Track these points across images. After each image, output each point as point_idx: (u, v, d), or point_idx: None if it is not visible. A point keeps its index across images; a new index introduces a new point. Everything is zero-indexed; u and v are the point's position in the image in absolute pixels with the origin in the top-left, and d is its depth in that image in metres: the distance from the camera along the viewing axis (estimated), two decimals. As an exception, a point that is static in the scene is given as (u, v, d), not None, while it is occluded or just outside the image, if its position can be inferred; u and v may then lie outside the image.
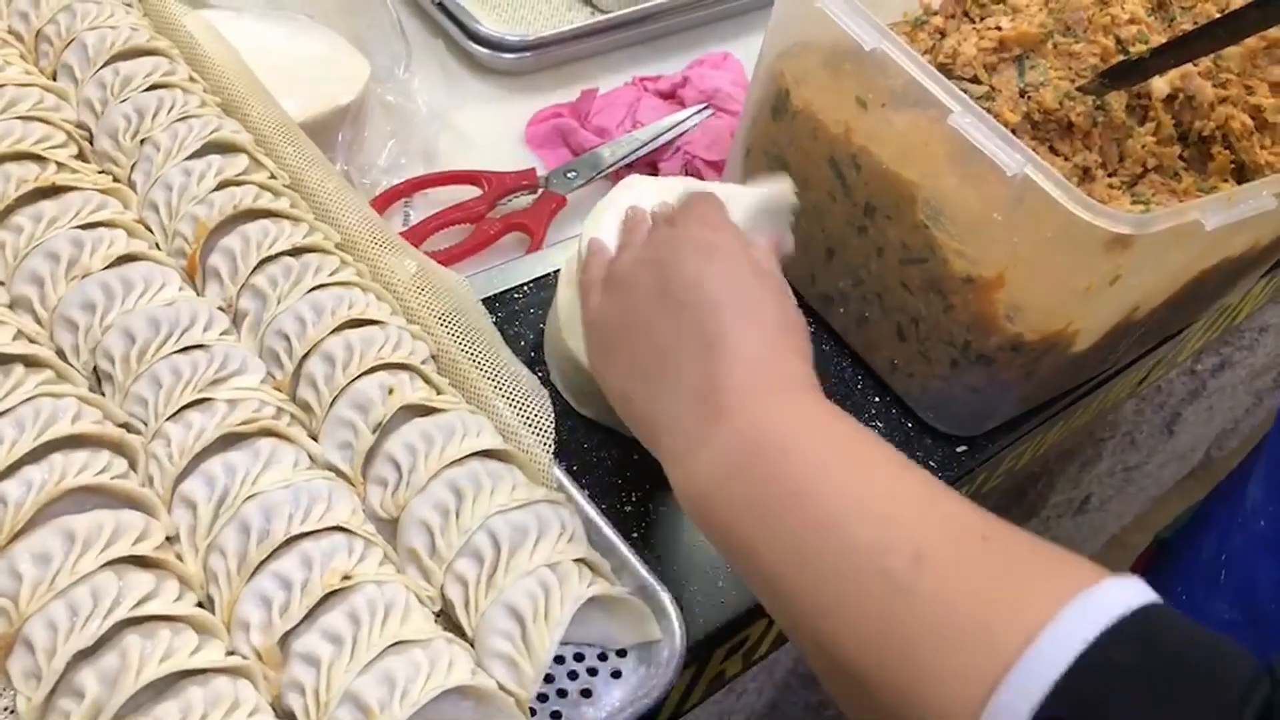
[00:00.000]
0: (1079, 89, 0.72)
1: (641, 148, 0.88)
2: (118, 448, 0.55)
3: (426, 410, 0.58)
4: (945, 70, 0.72)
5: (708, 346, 0.52)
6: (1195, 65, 0.78)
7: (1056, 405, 0.78)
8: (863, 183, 0.69)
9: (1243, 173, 0.78)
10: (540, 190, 0.85)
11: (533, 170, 0.86)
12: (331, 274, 0.62)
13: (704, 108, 0.91)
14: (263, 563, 0.51)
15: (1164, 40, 0.73)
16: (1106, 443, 1.17)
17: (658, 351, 0.54)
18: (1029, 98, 0.72)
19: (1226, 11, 0.77)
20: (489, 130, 0.91)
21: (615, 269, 0.58)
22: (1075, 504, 1.36)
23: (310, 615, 0.50)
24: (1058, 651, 0.39)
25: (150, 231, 0.64)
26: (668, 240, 0.57)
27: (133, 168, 0.66)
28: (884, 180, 0.67)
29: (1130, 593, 0.41)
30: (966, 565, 0.43)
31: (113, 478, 0.53)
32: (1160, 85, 0.76)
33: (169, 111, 0.67)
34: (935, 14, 0.80)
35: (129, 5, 0.74)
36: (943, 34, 0.78)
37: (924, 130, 0.65)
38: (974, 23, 0.78)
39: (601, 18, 0.98)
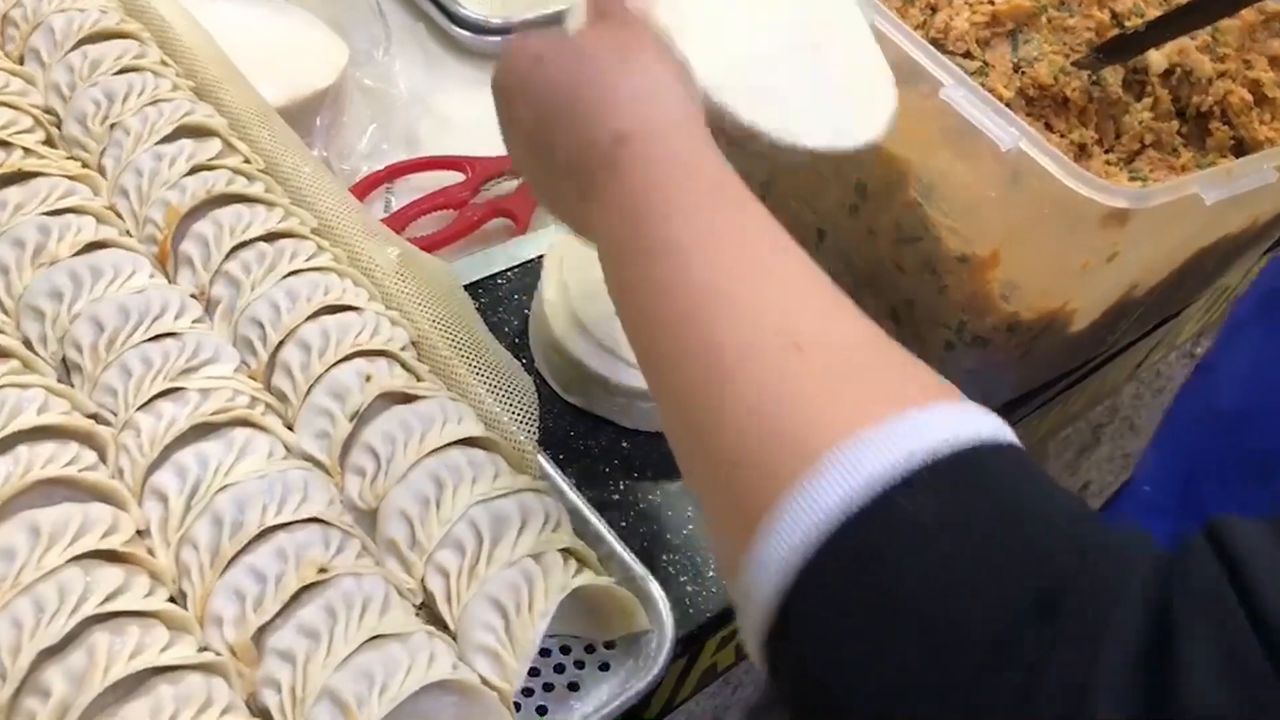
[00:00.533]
0: (1074, 64, 0.71)
1: (628, 131, 0.87)
2: (86, 439, 0.53)
3: (406, 398, 0.56)
4: (937, 45, 0.71)
5: (576, 147, 0.47)
6: (1192, 39, 0.77)
7: (1054, 389, 0.77)
8: (854, 162, 0.67)
9: (1241, 148, 0.76)
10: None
11: (517, 155, 0.84)
12: (307, 259, 0.61)
13: (692, 90, 0.90)
14: (236, 556, 0.49)
15: (1160, 13, 0.71)
16: (1105, 428, 1.16)
17: (542, 175, 0.51)
18: (1023, 73, 0.71)
19: None
20: (472, 114, 0.89)
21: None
22: (1074, 491, 1.35)
23: (286, 609, 0.48)
24: (830, 500, 0.33)
25: (120, 218, 0.62)
26: (498, 80, 0.53)
27: (102, 153, 0.64)
28: (875, 159, 0.66)
29: (962, 427, 0.34)
30: (766, 384, 0.37)
31: (81, 470, 0.51)
32: (1157, 60, 0.74)
33: (139, 95, 0.66)
34: (927, -13, 0.78)
35: (99, -13, 0.72)
36: (934, 9, 0.76)
37: (916, 106, 0.64)
38: (966, -3, 0.76)
39: (586, -1, 0.96)
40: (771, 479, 0.35)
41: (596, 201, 0.46)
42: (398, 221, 0.79)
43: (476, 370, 0.60)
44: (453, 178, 0.83)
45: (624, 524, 0.61)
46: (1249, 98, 0.76)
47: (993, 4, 0.72)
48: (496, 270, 0.73)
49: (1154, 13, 0.72)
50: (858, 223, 0.69)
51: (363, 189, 0.80)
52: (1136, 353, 0.87)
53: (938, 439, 0.33)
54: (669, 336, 0.41)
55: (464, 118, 0.89)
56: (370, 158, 0.82)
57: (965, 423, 0.34)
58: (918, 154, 0.64)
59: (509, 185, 0.83)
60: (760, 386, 0.37)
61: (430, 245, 0.78)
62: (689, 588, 0.60)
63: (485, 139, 0.87)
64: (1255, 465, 0.49)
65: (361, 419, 0.55)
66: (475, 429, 0.56)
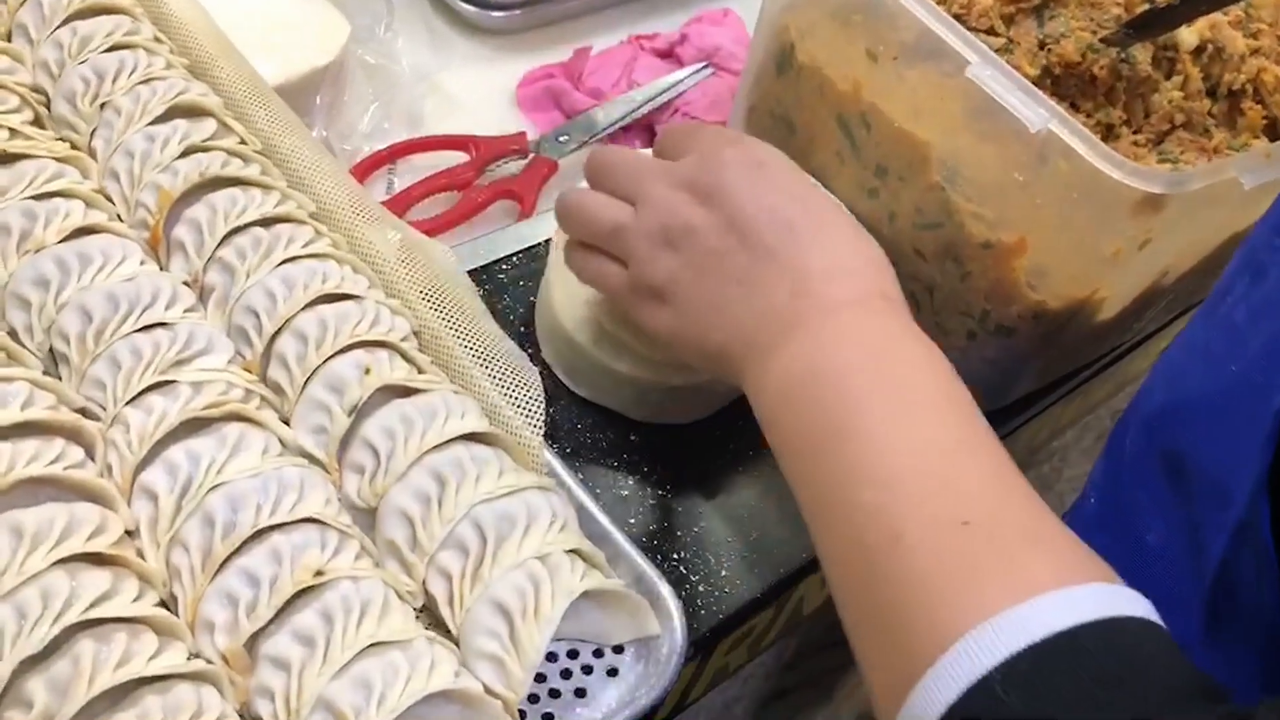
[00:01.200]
0: (1102, 40, 0.68)
1: (637, 109, 0.84)
2: (73, 435, 0.51)
3: (406, 391, 0.54)
4: (960, 21, 0.68)
5: (788, 268, 0.50)
6: (1225, 14, 0.74)
7: (1076, 379, 0.74)
8: (873, 143, 0.65)
9: (1275, 129, 0.73)
10: (531, 155, 0.81)
11: (523, 134, 0.81)
12: (305, 245, 0.58)
13: (703, 67, 0.87)
14: (229, 558, 0.47)
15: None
16: (1124, 414, 1.13)
17: (730, 283, 0.52)
18: (1049, 50, 0.68)
19: None
20: (477, 92, 0.87)
21: (654, 216, 0.54)
22: (1090, 477, 1.33)
23: (280, 615, 0.46)
24: (950, 679, 0.37)
25: (111, 202, 0.60)
26: (711, 169, 0.53)
27: (93, 134, 0.62)
28: (896, 140, 0.63)
29: (1064, 611, 0.37)
30: (933, 555, 0.41)
31: (67, 468, 0.49)
32: (1188, 36, 0.71)
33: (131, 74, 0.63)
34: (947, -39, 0.75)
35: (89, -40, 0.70)
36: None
37: (939, 85, 0.61)
38: (990, -30, 0.73)
39: (595, -27, 0.93)
40: (915, 656, 0.39)
41: (793, 340, 0.49)
42: (400, 203, 0.77)
43: (480, 361, 0.58)
44: (457, 158, 0.80)
45: (632, 521, 0.59)
46: (1283, 76, 0.73)
47: (1019, -23, 0.69)
48: (501, 255, 0.70)
49: (1187, -13, 0.69)
50: (876, 205, 0.66)
51: (364, 169, 0.78)
52: (1161, 340, 0.84)
53: (1043, 628, 0.37)
54: (839, 499, 0.45)
55: (469, 96, 0.86)
56: (372, 137, 0.80)
57: (1077, 606, 0.38)
58: (940, 135, 0.61)
59: (514, 166, 0.81)
60: (927, 559, 0.41)
61: (433, 228, 0.75)
62: (701, 587, 0.58)
63: (491, 117, 0.85)
64: (1168, 465, 0.48)
65: (360, 413, 0.53)
66: (478, 424, 0.54)
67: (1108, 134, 0.69)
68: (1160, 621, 0.39)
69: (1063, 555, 0.41)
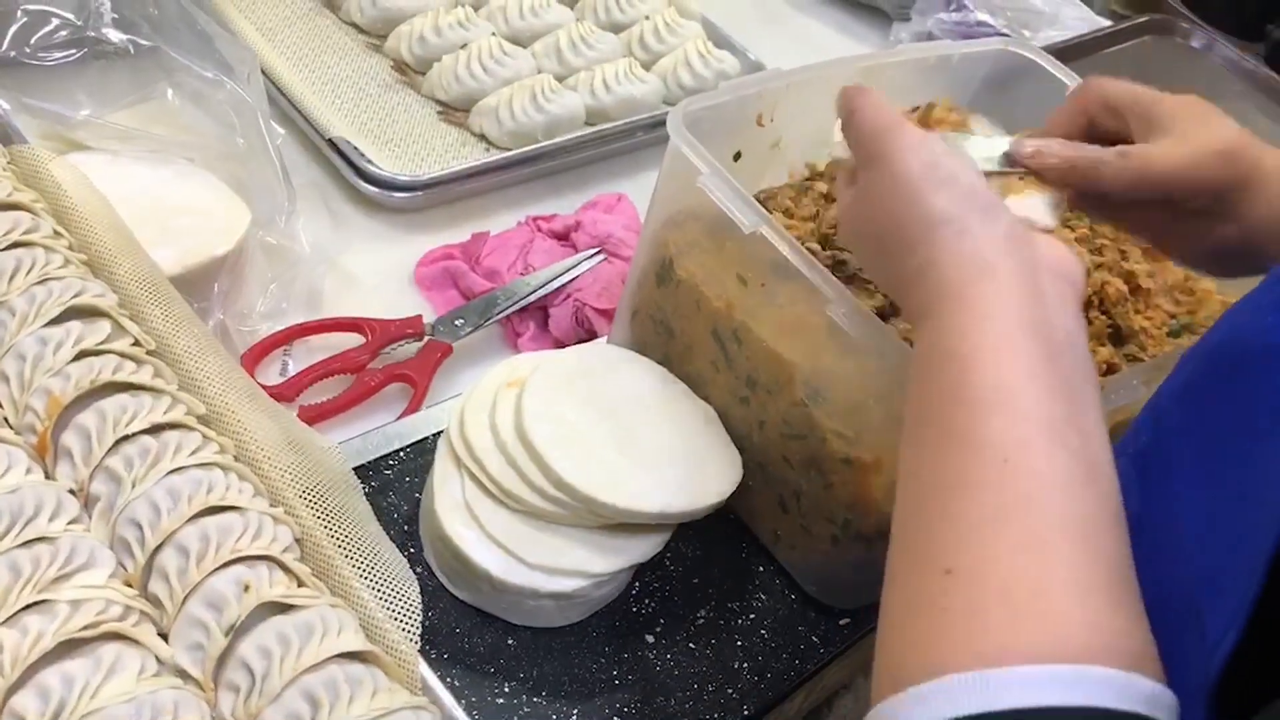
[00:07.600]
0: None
1: (532, 293, 0.87)
2: (-54, 657, 0.51)
3: (285, 607, 0.56)
4: (827, 240, 0.73)
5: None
6: (1073, 231, 0.80)
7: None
8: (744, 356, 0.69)
9: (1119, 336, 0.79)
10: (426, 338, 0.84)
11: (419, 317, 0.84)
12: (192, 453, 0.60)
13: (596, 252, 0.91)
14: (97, 789, 0.48)
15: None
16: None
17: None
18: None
19: None
20: (377, 271, 0.90)
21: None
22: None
23: None
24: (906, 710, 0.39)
25: (-1, 405, 0.61)
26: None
27: (-15, 334, 0.63)
28: (765, 356, 0.67)
29: (1024, 693, 0.36)
30: (909, 604, 0.44)
31: (-64, 695, 0.49)
32: (1039, 252, 0.77)
33: (28, 273, 0.65)
34: (820, 176, 0.81)
35: (-7, 154, 0.72)
36: (828, 199, 0.78)
37: (804, 305, 0.65)
38: (859, 186, 0.78)
39: (494, 157, 0.97)
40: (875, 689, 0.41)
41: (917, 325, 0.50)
42: (294, 386, 0.78)
43: (360, 570, 0.60)
44: (353, 339, 0.83)
45: (506, 731, 0.61)
46: (1124, 288, 0.79)
47: (882, 200, 0.74)
48: (388, 451, 0.72)
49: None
50: (748, 413, 0.70)
51: (259, 352, 0.80)
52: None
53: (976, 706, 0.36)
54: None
55: (369, 275, 0.89)
56: (270, 317, 0.82)
57: (1029, 690, 0.36)
58: (804, 357, 0.65)
59: (410, 348, 0.83)
60: (904, 606, 0.44)
61: (325, 412, 0.77)
62: (569, 800, 0.59)
63: (390, 296, 0.88)
64: None
65: (238, 630, 0.54)
66: (354, 642, 0.55)
67: (965, 344, 0.73)
68: None
69: (1059, 627, 0.38)
